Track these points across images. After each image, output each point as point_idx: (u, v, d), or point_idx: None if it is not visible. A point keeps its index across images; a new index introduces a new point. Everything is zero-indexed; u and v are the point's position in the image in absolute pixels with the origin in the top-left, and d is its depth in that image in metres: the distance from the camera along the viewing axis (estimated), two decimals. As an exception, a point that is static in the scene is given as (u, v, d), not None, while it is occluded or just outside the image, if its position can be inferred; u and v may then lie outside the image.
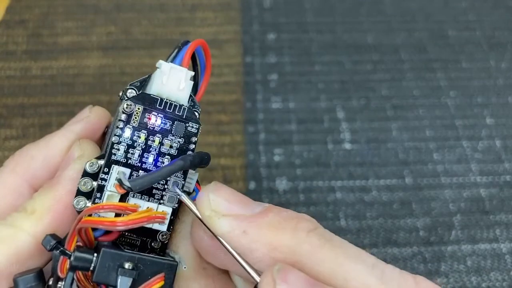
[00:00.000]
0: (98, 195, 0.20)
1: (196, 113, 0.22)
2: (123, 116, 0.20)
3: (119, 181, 0.19)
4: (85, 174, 0.20)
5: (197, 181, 0.22)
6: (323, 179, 0.41)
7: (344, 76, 0.48)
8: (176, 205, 0.21)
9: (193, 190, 0.22)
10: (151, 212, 0.19)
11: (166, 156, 0.21)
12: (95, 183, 0.20)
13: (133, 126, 0.21)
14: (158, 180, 0.20)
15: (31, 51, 0.49)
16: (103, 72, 0.47)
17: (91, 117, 0.23)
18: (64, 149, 0.22)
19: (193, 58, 0.23)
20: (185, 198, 0.21)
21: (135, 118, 0.21)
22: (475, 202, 0.40)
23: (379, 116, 0.46)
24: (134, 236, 0.21)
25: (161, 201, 0.21)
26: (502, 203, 0.40)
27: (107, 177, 0.20)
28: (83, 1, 0.53)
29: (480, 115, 0.46)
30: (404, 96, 0.47)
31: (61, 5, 0.53)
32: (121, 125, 0.20)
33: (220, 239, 0.19)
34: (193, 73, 0.22)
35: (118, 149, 0.20)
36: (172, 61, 0.22)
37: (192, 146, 0.22)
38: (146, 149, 0.21)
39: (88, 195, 0.20)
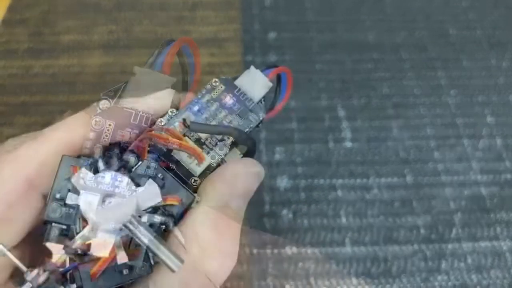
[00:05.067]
0: None
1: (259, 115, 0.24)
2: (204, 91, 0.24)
3: (184, 120, 0.21)
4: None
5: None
6: (324, 177, 0.41)
7: (344, 75, 0.48)
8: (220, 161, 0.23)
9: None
10: (197, 149, 0.22)
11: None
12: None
13: (212, 97, 0.23)
14: (210, 133, 0.22)
15: (32, 49, 0.49)
16: (104, 70, 0.48)
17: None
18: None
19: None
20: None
21: (216, 92, 0.24)
22: (475, 200, 0.40)
23: (380, 114, 0.46)
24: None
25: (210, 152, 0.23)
26: (503, 201, 0.40)
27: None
28: None
29: (481, 113, 0.46)
30: (404, 95, 0.47)
31: (62, 4, 0.53)
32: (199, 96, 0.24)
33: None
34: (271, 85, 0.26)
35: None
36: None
37: (250, 127, 0.23)
38: (215, 115, 0.23)
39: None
